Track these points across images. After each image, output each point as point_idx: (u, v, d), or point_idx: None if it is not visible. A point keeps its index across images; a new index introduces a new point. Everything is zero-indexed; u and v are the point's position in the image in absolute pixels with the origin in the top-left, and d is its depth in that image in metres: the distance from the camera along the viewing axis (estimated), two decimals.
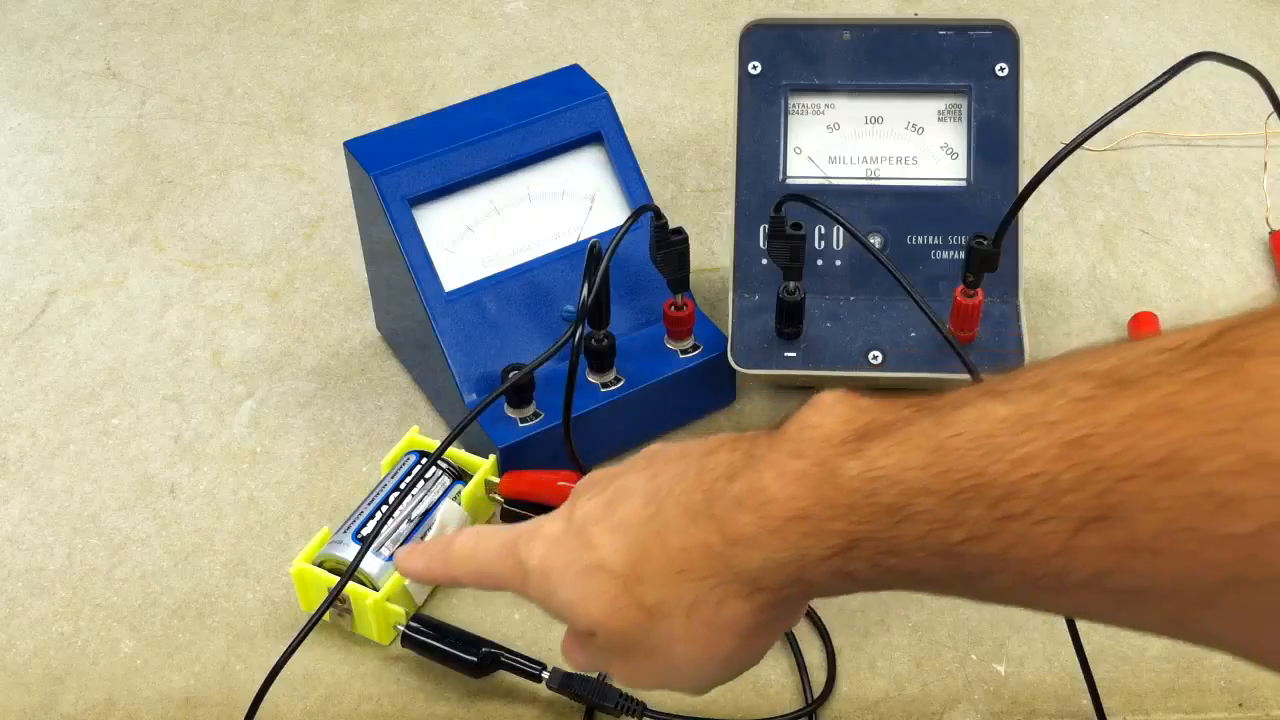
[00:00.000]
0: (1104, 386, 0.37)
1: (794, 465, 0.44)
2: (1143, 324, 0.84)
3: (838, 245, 0.79)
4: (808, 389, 0.82)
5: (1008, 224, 0.73)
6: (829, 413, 0.44)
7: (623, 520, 0.48)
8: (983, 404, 0.40)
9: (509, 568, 0.53)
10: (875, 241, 0.78)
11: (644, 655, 0.49)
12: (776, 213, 0.73)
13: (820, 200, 0.74)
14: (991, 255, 0.74)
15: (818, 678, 0.68)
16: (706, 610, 0.46)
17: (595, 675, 0.66)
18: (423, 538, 0.70)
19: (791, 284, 0.76)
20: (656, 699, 0.66)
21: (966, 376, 0.72)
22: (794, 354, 0.77)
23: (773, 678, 0.68)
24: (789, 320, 0.77)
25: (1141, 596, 0.38)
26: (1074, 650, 0.66)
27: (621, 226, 0.71)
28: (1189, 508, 0.35)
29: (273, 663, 0.65)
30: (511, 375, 0.72)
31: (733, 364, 0.76)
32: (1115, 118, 0.69)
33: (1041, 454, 0.38)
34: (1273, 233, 0.92)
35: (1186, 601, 0.37)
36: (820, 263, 0.79)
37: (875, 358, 0.77)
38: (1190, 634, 0.39)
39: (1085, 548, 0.37)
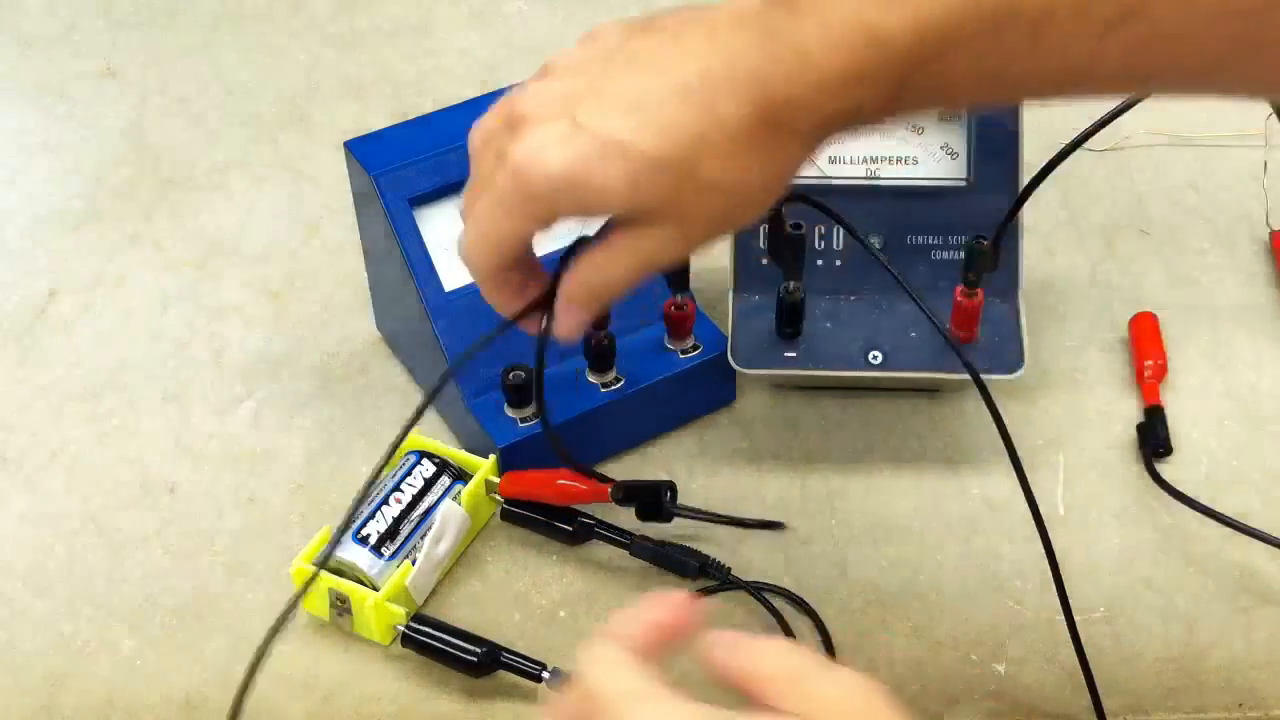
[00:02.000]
0: None
1: (833, 35, 0.47)
2: (1143, 324, 0.84)
3: (837, 245, 0.79)
4: (808, 389, 0.83)
5: (1008, 224, 0.73)
6: None
7: (655, 107, 0.49)
8: None
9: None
10: (875, 242, 0.78)
11: (702, 219, 0.51)
12: (777, 212, 0.73)
13: (819, 200, 0.73)
14: (991, 255, 0.73)
15: None
16: (771, 168, 0.50)
17: None
18: (422, 538, 0.70)
19: (791, 284, 0.76)
20: None
21: (967, 377, 0.72)
22: (794, 354, 0.77)
23: None
24: (789, 320, 0.77)
25: (1160, 76, 0.48)
26: (1074, 650, 0.66)
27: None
28: None
29: (273, 663, 0.65)
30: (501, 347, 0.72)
31: (733, 364, 0.76)
32: (1116, 117, 0.69)
33: None
34: (1273, 233, 0.92)
35: (1198, 73, 0.48)
36: (820, 262, 0.79)
37: (875, 357, 0.77)
38: (1204, 91, 0.50)
39: (1113, 48, 0.45)
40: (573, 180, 0.49)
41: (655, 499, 0.71)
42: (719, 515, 0.74)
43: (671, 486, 0.72)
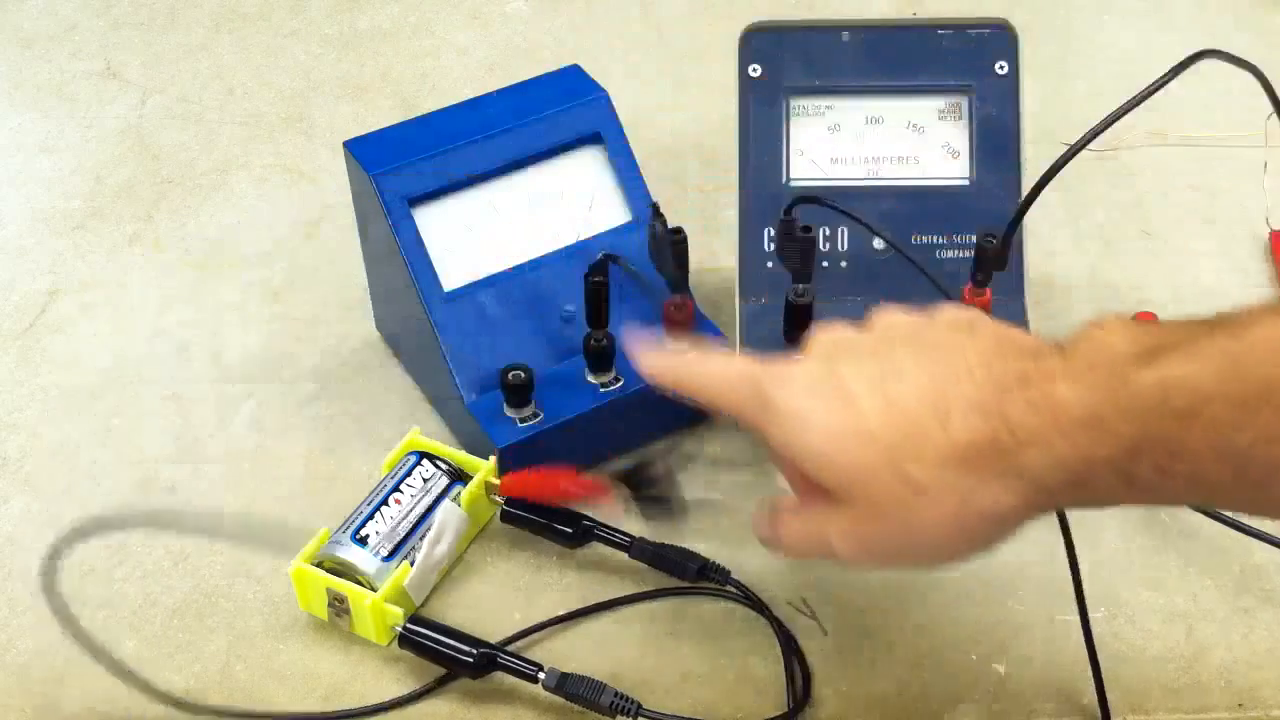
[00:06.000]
0: None
1: (1087, 374, 0.47)
2: None
3: (842, 246, 0.79)
4: None
5: (1018, 222, 0.73)
6: (1117, 332, 0.48)
7: (897, 398, 0.50)
8: (1274, 320, 0.44)
9: (748, 397, 0.55)
10: (879, 243, 0.78)
11: (886, 523, 0.51)
12: (788, 215, 0.73)
13: (833, 201, 0.73)
14: (1001, 254, 0.74)
15: (821, 678, 0.68)
16: (981, 500, 0.49)
17: (596, 679, 0.66)
18: (421, 539, 0.70)
19: (800, 286, 0.75)
20: (653, 700, 0.66)
21: None
22: None
23: (771, 678, 0.68)
24: (798, 324, 0.76)
25: None
26: (1074, 650, 0.66)
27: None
28: None
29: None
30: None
31: None
32: (1124, 114, 0.68)
33: None
34: (1273, 233, 0.92)
35: None
36: (825, 265, 0.79)
37: None
38: None
39: None
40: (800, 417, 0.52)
41: (649, 474, 0.70)
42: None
43: (664, 460, 0.70)
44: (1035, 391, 0.48)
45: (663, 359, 0.60)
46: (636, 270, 0.73)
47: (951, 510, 0.49)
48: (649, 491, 0.70)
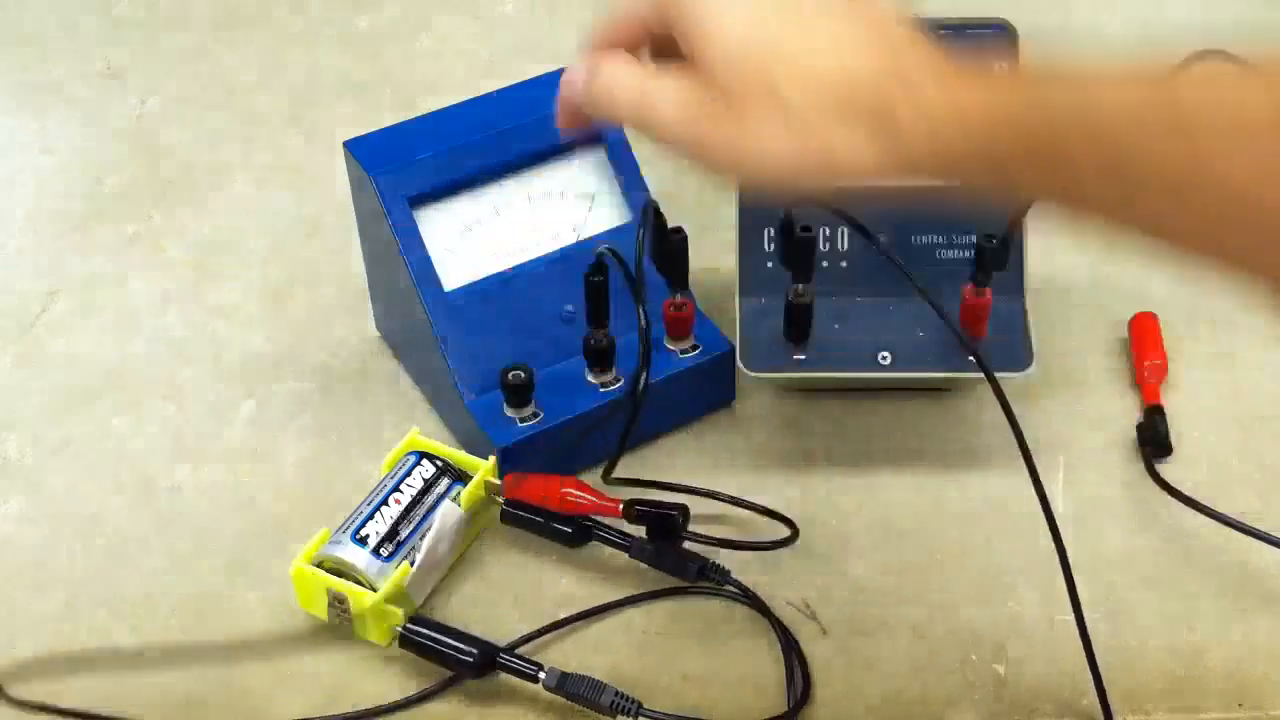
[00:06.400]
0: None
1: (1000, 79, 0.47)
2: (1143, 324, 0.84)
3: (842, 246, 0.79)
4: (813, 390, 0.83)
5: (1018, 223, 0.73)
6: (1034, 62, 0.49)
7: (805, 26, 0.50)
8: (1209, 66, 0.46)
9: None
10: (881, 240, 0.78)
11: (739, 108, 0.50)
12: (788, 215, 0.73)
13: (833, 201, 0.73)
14: (1001, 254, 0.74)
15: (821, 678, 0.68)
16: (837, 143, 0.48)
17: (591, 677, 0.66)
18: (421, 538, 0.70)
19: (800, 286, 0.75)
20: (653, 700, 0.66)
21: (976, 376, 0.72)
22: (804, 356, 0.77)
23: (771, 678, 0.68)
24: (798, 323, 0.76)
25: None
26: (1072, 650, 0.66)
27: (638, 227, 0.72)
28: None
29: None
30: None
31: (743, 368, 0.76)
32: None
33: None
34: None
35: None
36: (826, 264, 0.79)
37: (885, 358, 0.76)
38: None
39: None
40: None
41: (669, 525, 0.71)
42: (731, 541, 0.73)
43: (685, 512, 0.71)
44: (948, 70, 0.48)
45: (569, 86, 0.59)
46: (629, 268, 0.73)
47: (802, 136, 0.48)
48: (671, 538, 0.71)
